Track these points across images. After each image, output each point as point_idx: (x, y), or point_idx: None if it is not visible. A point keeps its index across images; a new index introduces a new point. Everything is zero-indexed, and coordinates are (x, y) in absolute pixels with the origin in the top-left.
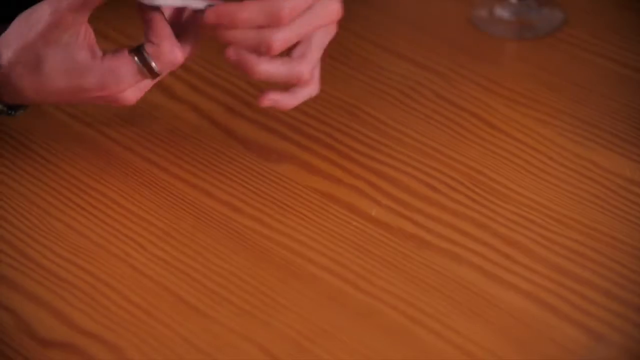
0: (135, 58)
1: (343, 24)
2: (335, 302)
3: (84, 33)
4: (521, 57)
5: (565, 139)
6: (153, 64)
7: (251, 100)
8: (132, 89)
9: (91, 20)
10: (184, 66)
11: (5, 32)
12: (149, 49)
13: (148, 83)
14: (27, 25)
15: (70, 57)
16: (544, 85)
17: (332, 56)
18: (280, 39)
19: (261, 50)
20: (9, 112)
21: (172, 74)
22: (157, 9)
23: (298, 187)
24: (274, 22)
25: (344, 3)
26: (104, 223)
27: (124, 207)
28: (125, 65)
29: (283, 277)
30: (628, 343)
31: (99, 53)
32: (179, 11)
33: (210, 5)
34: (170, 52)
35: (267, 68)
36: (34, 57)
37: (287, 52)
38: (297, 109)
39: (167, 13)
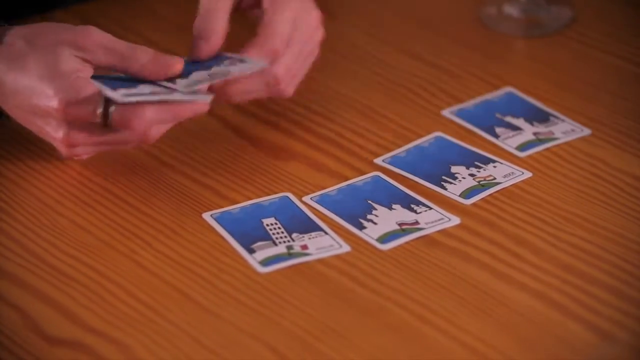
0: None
1: (353, 22)
2: (343, 301)
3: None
4: (530, 55)
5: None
6: (111, 111)
7: (260, 99)
8: (73, 140)
9: (100, 18)
10: None
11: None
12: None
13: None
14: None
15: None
16: (553, 83)
17: (341, 54)
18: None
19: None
20: None
21: None
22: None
23: (307, 185)
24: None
25: (352, 1)
26: (110, 220)
27: (130, 204)
28: (91, 88)
29: (291, 276)
30: (636, 342)
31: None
32: None
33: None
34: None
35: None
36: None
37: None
38: (306, 107)
39: None
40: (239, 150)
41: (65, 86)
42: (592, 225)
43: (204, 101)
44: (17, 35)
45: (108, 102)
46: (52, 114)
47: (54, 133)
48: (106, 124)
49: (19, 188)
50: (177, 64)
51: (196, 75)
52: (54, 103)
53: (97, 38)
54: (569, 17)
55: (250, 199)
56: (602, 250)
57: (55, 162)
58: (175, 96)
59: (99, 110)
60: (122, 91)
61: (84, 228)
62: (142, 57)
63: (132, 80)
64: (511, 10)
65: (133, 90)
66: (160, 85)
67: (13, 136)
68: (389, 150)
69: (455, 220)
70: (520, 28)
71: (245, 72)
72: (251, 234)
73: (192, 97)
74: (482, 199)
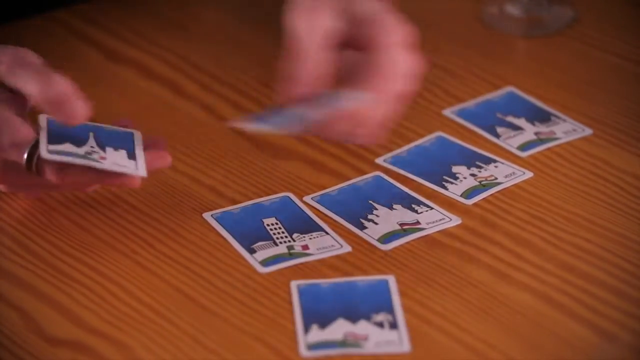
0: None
1: None
2: None
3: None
4: (531, 55)
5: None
6: (35, 160)
7: (260, 97)
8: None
9: (102, 18)
10: (193, 64)
11: None
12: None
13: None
14: None
15: None
16: (554, 83)
17: None
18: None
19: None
20: None
21: (182, 72)
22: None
23: (307, 184)
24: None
25: None
26: (111, 220)
27: (131, 204)
28: (24, 129)
29: (291, 276)
30: (638, 342)
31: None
32: None
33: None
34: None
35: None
36: None
37: None
38: None
39: None
40: (240, 149)
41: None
42: (593, 225)
43: (136, 175)
44: None
45: (35, 148)
46: None
47: None
48: (31, 170)
49: None
50: (78, 116)
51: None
52: None
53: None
54: (570, 16)
55: (250, 198)
56: (603, 250)
57: None
58: (106, 165)
59: (24, 155)
60: (52, 146)
61: (84, 228)
62: (51, 85)
63: (80, 138)
64: (512, 9)
65: (63, 148)
66: (94, 151)
67: None
68: (390, 150)
69: (457, 221)
70: (521, 28)
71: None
72: (252, 234)
73: (123, 169)
74: (483, 199)
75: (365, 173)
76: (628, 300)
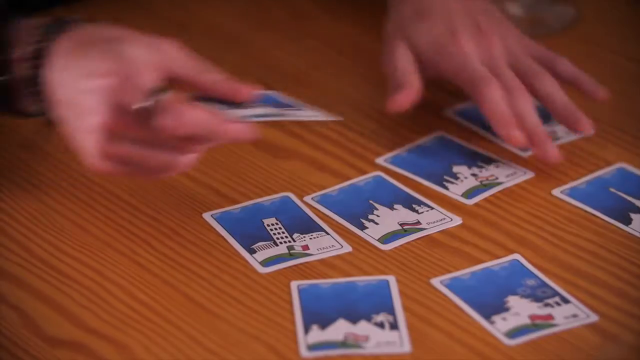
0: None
1: (354, 20)
2: None
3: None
4: None
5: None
6: (150, 103)
7: None
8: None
9: (101, 16)
10: None
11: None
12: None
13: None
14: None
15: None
16: None
17: (343, 53)
18: None
19: None
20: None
21: None
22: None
23: (308, 184)
24: None
25: (357, 2)
26: (110, 220)
27: (130, 204)
28: (148, 75)
29: (291, 276)
30: None
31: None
32: None
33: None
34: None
35: None
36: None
37: None
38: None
39: None
40: (240, 149)
41: (125, 64)
42: (595, 226)
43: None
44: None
45: (157, 93)
46: (100, 88)
47: (93, 114)
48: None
49: (19, 188)
50: (248, 89)
51: (263, 109)
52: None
53: (176, 48)
54: (572, 15)
55: (251, 198)
56: (605, 250)
57: (55, 162)
58: (301, 114)
59: (148, 101)
60: (236, 111)
61: (84, 228)
62: (216, 74)
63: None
64: (514, 9)
65: (247, 111)
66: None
67: (12, 136)
68: (391, 149)
69: (457, 221)
70: (522, 27)
71: (314, 119)
72: (252, 234)
73: (316, 117)
74: (484, 198)
75: (366, 173)
76: (629, 301)
